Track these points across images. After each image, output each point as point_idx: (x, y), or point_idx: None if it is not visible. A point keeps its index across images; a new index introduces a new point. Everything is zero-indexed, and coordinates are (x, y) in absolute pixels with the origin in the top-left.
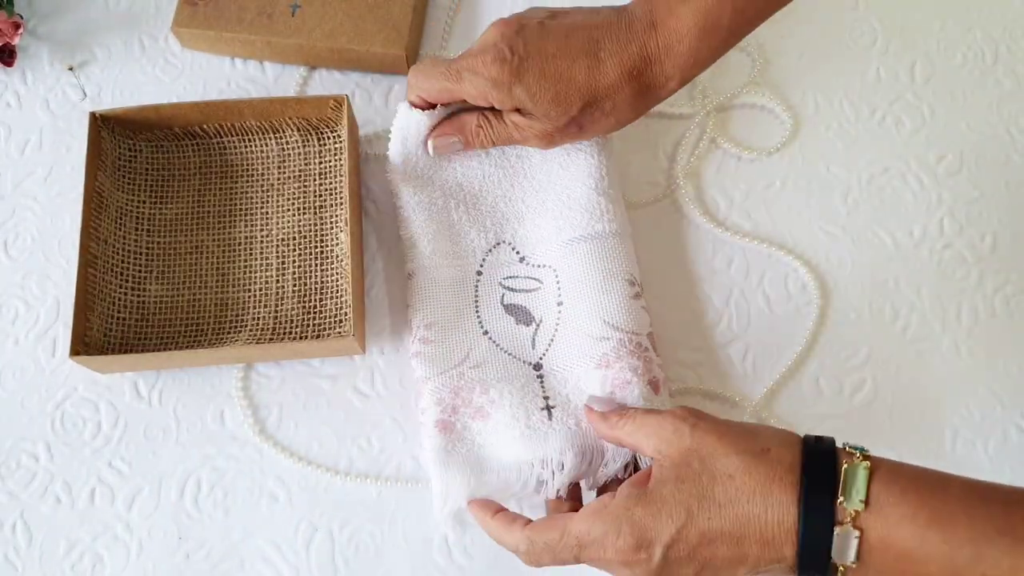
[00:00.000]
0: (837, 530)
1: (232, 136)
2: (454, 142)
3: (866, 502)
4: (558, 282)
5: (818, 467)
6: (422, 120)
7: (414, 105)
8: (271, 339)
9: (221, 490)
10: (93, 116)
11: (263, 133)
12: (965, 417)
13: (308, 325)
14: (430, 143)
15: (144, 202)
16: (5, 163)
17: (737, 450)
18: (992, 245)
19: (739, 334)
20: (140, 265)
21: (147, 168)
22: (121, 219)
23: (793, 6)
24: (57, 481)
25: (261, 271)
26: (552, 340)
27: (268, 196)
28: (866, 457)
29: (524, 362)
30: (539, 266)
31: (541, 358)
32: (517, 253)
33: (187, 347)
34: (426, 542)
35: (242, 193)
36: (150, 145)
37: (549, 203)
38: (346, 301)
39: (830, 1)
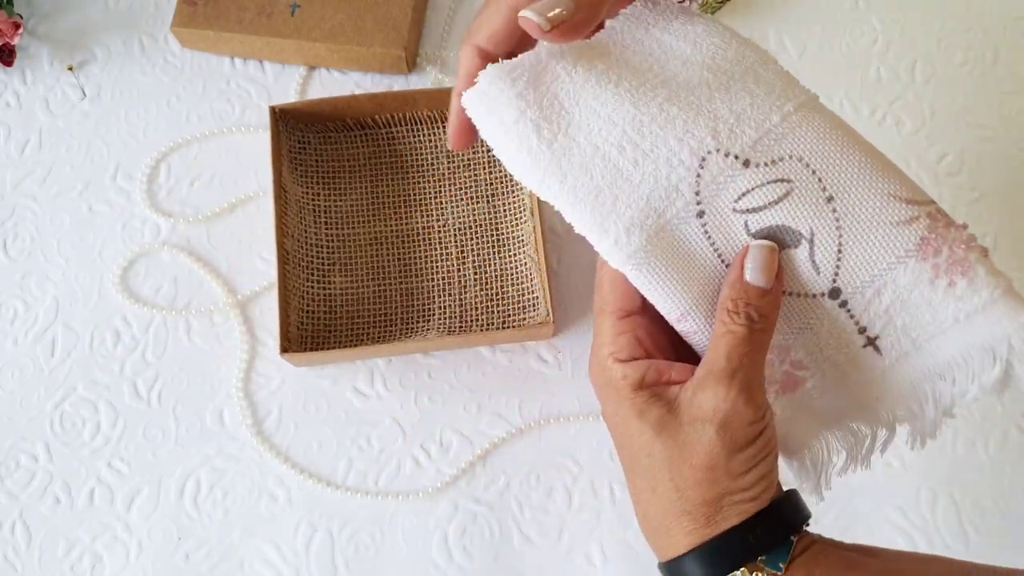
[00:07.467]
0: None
1: (401, 126)
2: (557, 9)
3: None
4: (813, 171)
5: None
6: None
7: (481, 66)
8: (460, 327)
9: (220, 490)
10: (273, 110)
11: (432, 123)
12: (965, 417)
13: (493, 312)
14: (525, 14)
15: (318, 194)
16: (4, 163)
17: (709, 478)
18: (992, 245)
19: None
20: (323, 258)
21: (316, 160)
22: (301, 212)
23: (794, 5)
24: (56, 481)
25: (442, 260)
26: (840, 250)
27: (440, 185)
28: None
29: (815, 295)
30: (774, 162)
31: (835, 279)
32: (736, 159)
33: (379, 339)
34: (426, 542)
35: (413, 183)
36: (318, 136)
37: (735, 80)
38: (530, 287)
39: (830, 1)
